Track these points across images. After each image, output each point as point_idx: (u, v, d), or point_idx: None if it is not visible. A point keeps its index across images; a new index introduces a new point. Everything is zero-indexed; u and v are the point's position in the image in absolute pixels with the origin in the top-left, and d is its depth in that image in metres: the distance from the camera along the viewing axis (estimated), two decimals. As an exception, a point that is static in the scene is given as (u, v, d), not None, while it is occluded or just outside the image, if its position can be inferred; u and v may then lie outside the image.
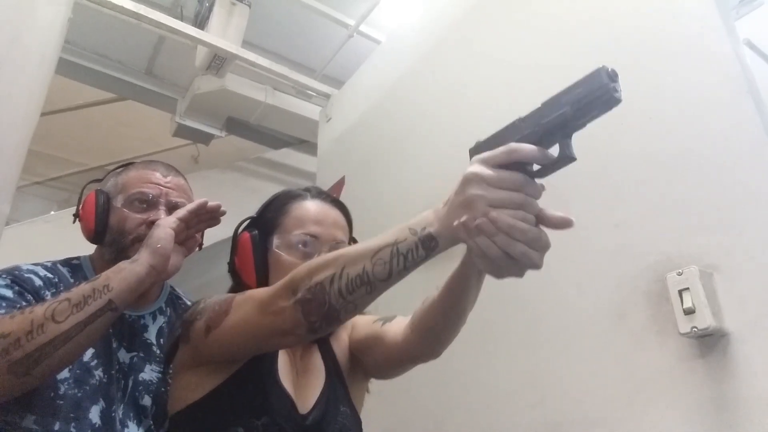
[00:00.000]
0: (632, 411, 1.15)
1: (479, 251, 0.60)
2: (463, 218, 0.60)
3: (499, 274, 0.63)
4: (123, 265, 0.94)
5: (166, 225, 0.99)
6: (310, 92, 3.22)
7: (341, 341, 1.02)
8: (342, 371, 0.98)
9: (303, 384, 0.92)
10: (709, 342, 1.05)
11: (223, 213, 1.06)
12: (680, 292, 1.07)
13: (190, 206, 1.04)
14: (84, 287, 0.90)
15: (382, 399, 1.15)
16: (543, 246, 0.61)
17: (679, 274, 1.09)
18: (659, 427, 1.10)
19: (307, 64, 3.57)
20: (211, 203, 1.05)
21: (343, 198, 2.36)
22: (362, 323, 1.01)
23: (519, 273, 0.62)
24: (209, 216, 1.07)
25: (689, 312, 1.05)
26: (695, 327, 1.03)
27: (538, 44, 1.61)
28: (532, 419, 1.36)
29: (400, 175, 2.09)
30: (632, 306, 1.20)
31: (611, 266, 1.27)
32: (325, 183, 2.59)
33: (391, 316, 0.97)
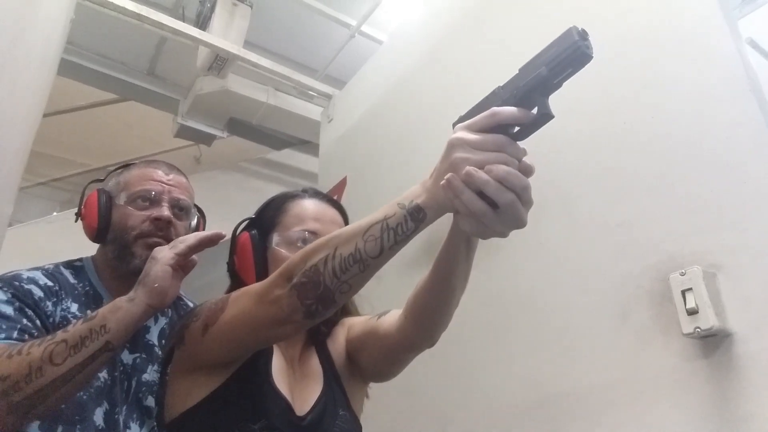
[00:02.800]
0: (635, 411, 1.15)
1: (465, 209, 0.61)
2: (448, 175, 0.61)
3: (485, 233, 0.64)
4: (120, 303, 0.91)
5: (163, 262, 0.93)
6: (311, 93, 3.22)
7: (338, 344, 1.01)
8: (340, 375, 0.97)
9: (301, 388, 0.91)
10: (713, 342, 1.05)
11: (223, 237, 1.00)
12: (683, 292, 1.07)
13: (189, 241, 0.97)
14: (81, 327, 0.88)
15: (382, 402, 1.15)
16: (529, 200, 0.62)
17: (682, 274, 1.08)
18: (662, 427, 1.09)
19: (309, 64, 3.57)
20: (210, 234, 0.98)
21: (345, 198, 2.38)
22: (358, 322, 1.02)
23: (504, 230, 0.63)
24: (209, 245, 1.01)
25: (692, 312, 1.04)
26: (698, 327, 1.03)
27: (541, 43, 1.60)
28: (534, 420, 1.36)
29: (402, 176, 2.09)
30: (635, 306, 1.20)
31: (614, 266, 1.26)
32: (327, 183, 2.59)
33: (385, 311, 0.97)
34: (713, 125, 1.15)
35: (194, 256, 1.03)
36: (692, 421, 1.05)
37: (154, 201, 1.12)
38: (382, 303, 1.01)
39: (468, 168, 0.60)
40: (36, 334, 0.96)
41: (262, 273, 0.94)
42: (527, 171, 0.62)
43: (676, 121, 1.22)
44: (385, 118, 2.35)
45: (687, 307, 1.05)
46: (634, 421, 1.14)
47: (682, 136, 1.20)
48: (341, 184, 2.49)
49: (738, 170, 1.09)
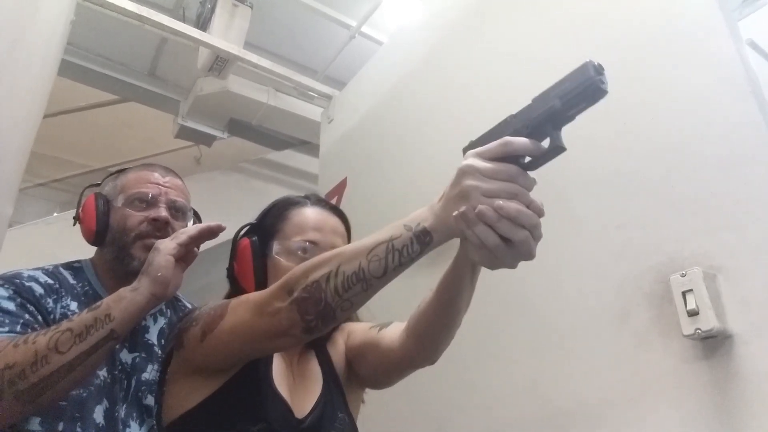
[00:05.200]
0: (635, 413, 1.15)
1: (477, 241, 0.61)
2: (462, 208, 0.61)
3: (495, 264, 0.64)
4: (124, 293, 0.92)
5: (166, 252, 0.95)
6: (312, 93, 3.22)
7: (338, 348, 1.01)
8: (339, 378, 0.97)
9: (300, 390, 0.91)
10: (713, 344, 1.05)
11: (223, 229, 1.02)
12: (684, 293, 1.07)
13: (191, 232, 0.98)
14: (85, 317, 0.89)
15: (379, 406, 1.15)
16: (539, 235, 0.63)
17: (683, 275, 1.08)
18: (663, 428, 1.09)
19: (309, 65, 3.57)
20: (211, 225, 1.00)
21: (345, 199, 2.38)
22: (358, 330, 1.01)
23: (513, 263, 0.64)
24: (210, 236, 1.03)
25: (693, 314, 1.04)
26: (699, 329, 1.03)
27: (541, 45, 1.61)
28: (534, 421, 1.36)
29: (402, 177, 2.09)
30: (635, 307, 1.20)
31: (614, 267, 1.26)
32: (327, 184, 2.59)
33: (387, 322, 0.97)
34: (713, 127, 1.15)
35: (195, 249, 1.04)
36: (692, 422, 1.05)
37: (151, 203, 1.14)
38: (380, 308, 1.01)
39: (481, 207, 0.60)
40: (38, 328, 0.97)
41: (261, 280, 0.95)
42: (538, 212, 0.62)
43: (676, 123, 1.22)
44: (385, 119, 2.35)
45: (687, 308, 1.05)
46: (635, 423, 1.14)
47: (682, 137, 1.20)
48: (341, 185, 2.49)
49: (738, 171, 1.09)
